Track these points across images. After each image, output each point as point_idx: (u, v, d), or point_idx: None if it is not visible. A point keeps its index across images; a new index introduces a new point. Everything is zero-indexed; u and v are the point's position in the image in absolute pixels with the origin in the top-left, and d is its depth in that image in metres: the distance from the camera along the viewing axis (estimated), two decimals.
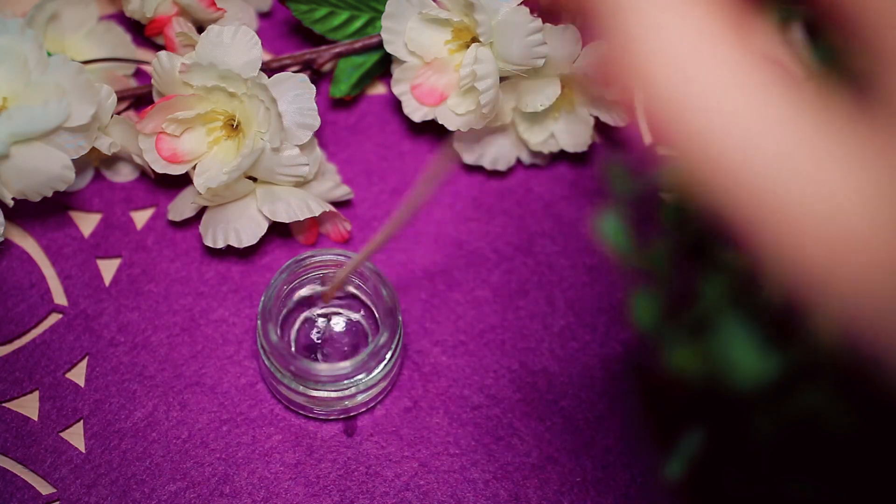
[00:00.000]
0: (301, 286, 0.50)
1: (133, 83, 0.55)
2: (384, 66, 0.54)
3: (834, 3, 0.23)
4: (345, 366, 0.46)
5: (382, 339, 0.46)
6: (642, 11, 0.23)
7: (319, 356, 0.50)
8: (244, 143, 0.48)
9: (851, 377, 0.28)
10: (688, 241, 0.31)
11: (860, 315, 0.23)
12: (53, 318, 0.51)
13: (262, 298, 0.47)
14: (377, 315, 0.49)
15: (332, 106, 0.56)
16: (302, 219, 0.48)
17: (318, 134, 0.50)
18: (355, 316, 0.51)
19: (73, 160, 0.47)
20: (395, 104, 0.55)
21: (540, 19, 0.48)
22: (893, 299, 0.22)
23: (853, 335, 0.23)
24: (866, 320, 0.23)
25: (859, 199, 0.22)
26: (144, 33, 0.53)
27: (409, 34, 0.50)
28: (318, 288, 0.50)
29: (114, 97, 0.49)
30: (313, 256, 0.48)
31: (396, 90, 0.52)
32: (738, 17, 0.23)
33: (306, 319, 0.51)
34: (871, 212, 0.22)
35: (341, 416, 0.49)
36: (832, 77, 0.25)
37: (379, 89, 0.56)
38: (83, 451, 0.48)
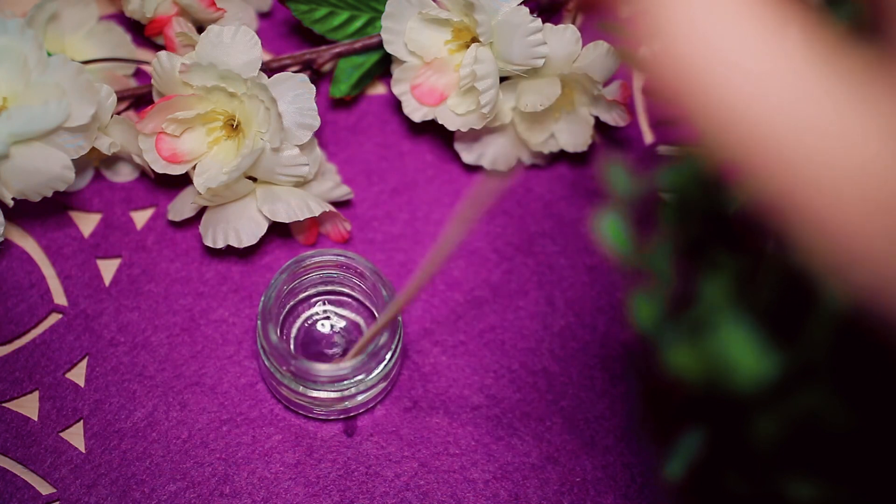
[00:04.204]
0: (301, 286, 0.50)
1: (133, 83, 0.55)
2: (384, 66, 0.54)
3: None
4: (345, 366, 0.46)
5: (382, 340, 0.46)
6: None
7: (320, 356, 0.50)
8: (244, 143, 0.48)
9: (851, 376, 0.28)
10: (688, 241, 0.31)
11: (881, 275, 0.23)
12: (53, 318, 0.51)
13: (262, 298, 0.47)
14: (377, 315, 0.49)
15: (332, 106, 0.56)
16: (302, 219, 0.48)
17: (318, 134, 0.50)
18: (355, 316, 0.51)
19: (73, 160, 0.47)
20: (395, 104, 0.55)
21: (539, 19, 0.48)
22: None
23: (870, 299, 0.23)
24: (886, 281, 0.23)
25: (883, 152, 0.22)
26: (144, 33, 0.53)
27: (409, 34, 0.50)
28: (320, 289, 0.51)
29: (114, 97, 0.49)
30: (313, 256, 0.48)
31: (396, 90, 0.52)
32: None
33: (306, 319, 0.51)
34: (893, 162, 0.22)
35: (341, 417, 0.49)
36: (850, 30, 0.25)
37: (379, 89, 0.56)
38: (83, 451, 0.48)
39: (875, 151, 0.22)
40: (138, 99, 0.53)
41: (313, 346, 0.50)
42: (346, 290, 0.51)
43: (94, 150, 0.49)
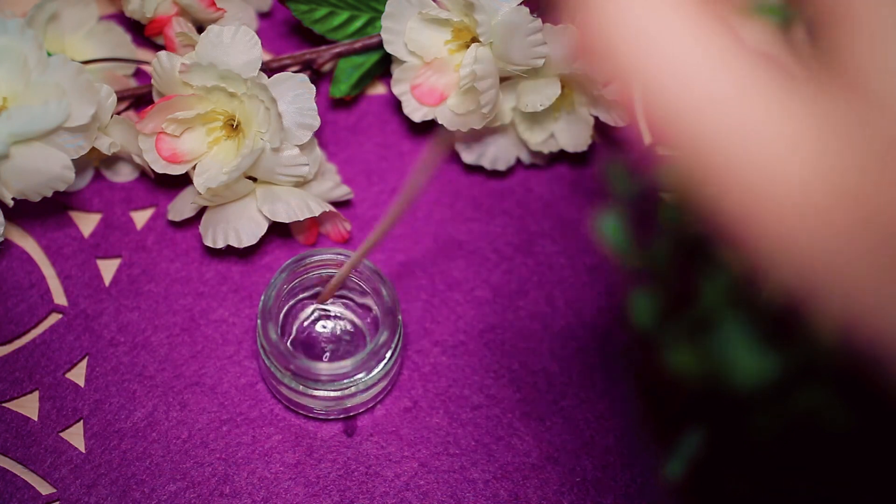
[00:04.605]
0: (301, 286, 0.50)
1: (133, 83, 0.55)
2: (384, 66, 0.54)
3: None
4: (345, 365, 0.46)
5: (382, 339, 0.46)
6: None
7: (321, 356, 0.50)
8: (244, 143, 0.48)
9: (851, 376, 0.28)
10: (688, 241, 0.31)
11: (856, 306, 0.22)
12: (53, 318, 0.51)
13: (262, 298, 0.47)
14: (377, 315, 0.49)
15: (332, 106, 0.56)
16: (302, 219, 0.48)
17: (318, 134, 0.50)
18: (355, 316, 0.51)
19: (73, 160, 0.47)
20: (395, 104, 0.55)
21: (540, 20, 0.48)
22: (882, 278, 0.22)
23: (851, 331, 0.23)
24: (862, 312, 0.22)
25: (834, 171, 0.22)
26: (144, 33, 0.53)
27: (409, 34, 0.50)
28: (319, 289, 0.51)
29: (114, 97, 0.49)
30: (313, 256, 0.48)
31: (396, 90, 0.52)
32: (714, 4, 0.23)
33: (306, 319, 0.51)
34: (846, 182, 0.22)
35: (341, 416, 0.49)
36: (783, 32, 0.25)
37: (379, 89, 0.56)
38: (83, 451, 0.48)
39: (812, 157, 0.22)
40: (138, 99, 0.53)
41: (313, 345, 0.50)
42: (346, 290, 0.51)
43: (94, 150, 0.49)
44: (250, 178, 0.49)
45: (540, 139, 0.52)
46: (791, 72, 0.23)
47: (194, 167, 0.49)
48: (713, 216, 0.24)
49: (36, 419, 0.49)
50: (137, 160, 0.51)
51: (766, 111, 0.22)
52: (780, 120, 0.22)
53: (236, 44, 0.47)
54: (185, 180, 0.51)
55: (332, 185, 0.51)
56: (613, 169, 0.32)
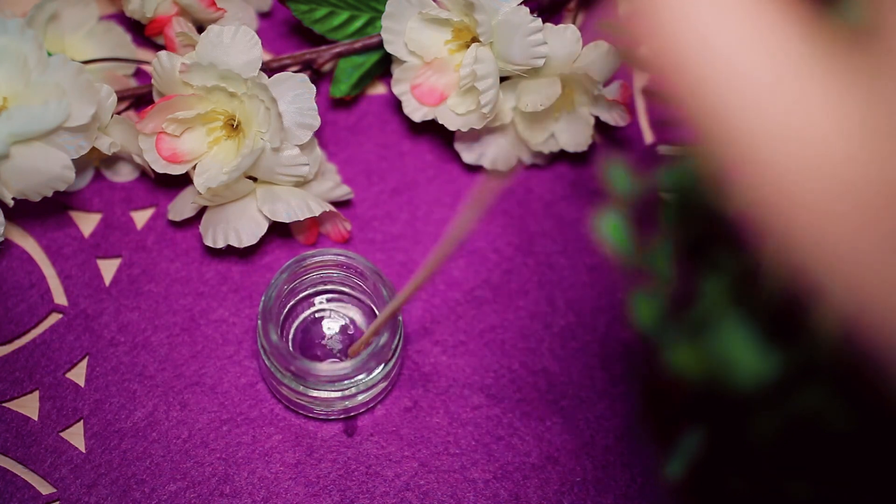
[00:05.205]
0: (301, 286, 0.50)
1: (133, 83, 0.55)
2: (384, 66, 0.54)
3: None
4: (345, 366, 0.46)
5: (382, 339, 0.46)
6: None
7: (320, 356, 0.50)
8: (244, 143, 0.48)
9: (851, 376, 0.28)
10: (688, 241, 0.31)
11: (862, 296, 0.22)
12: (53, 318, 0.51)
13: (263, 298, 0.47)
14: (377, 314, 0.49)
15: (332, 106, 0.56)
16: (302, 219, 0.48)
17: (318, 134, 0.50)
18: (355, 316, 0.51)
19: (73, 160, 0.47)
20: (395, 104, 0.55)
21: (540, 19, 0.48)
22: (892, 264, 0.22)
23: (855, 325, 0.23)
24: (868, 302, 0.22)
25: (865, 151, 0.22)
26: (144, 33, 0.53)
27: (409, 34, 0.50)
28: (319, 289, 0.51)
29: (114, 97, 0.49)
30: (313, 256, 0.48)
31: (396, 90, 0.52)
32: None
33: (307, 319, 0.51)
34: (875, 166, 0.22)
35: (341, 416, 0.49)
36: (853, 31, 0.25)
37: (379, 89, 0.56)
38: (83, 451, 0.48)
39: (867, 158, 0.22)
40: (138, 99, 0.53)
41: (313, 345, 0.50)
42: (347, 290, 0.51)
43: (94, 149, 0.49)
44: (250, 177, 0.49)
45: (540, 139, 0.52)
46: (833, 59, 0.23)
47: (194, 167, 0.49)
48: (742, 208, 0.24)
49: (36, 419, 0.49)
50: (137, 160, 0.51)
51: (815, 99, 0.22)
52: (828, 106, 0.22)
53: (236, 44, 0.47)
54: (185, 180, 0.51)
55: (332, 185, 0.51)
56: (613, 169, 0.32)
